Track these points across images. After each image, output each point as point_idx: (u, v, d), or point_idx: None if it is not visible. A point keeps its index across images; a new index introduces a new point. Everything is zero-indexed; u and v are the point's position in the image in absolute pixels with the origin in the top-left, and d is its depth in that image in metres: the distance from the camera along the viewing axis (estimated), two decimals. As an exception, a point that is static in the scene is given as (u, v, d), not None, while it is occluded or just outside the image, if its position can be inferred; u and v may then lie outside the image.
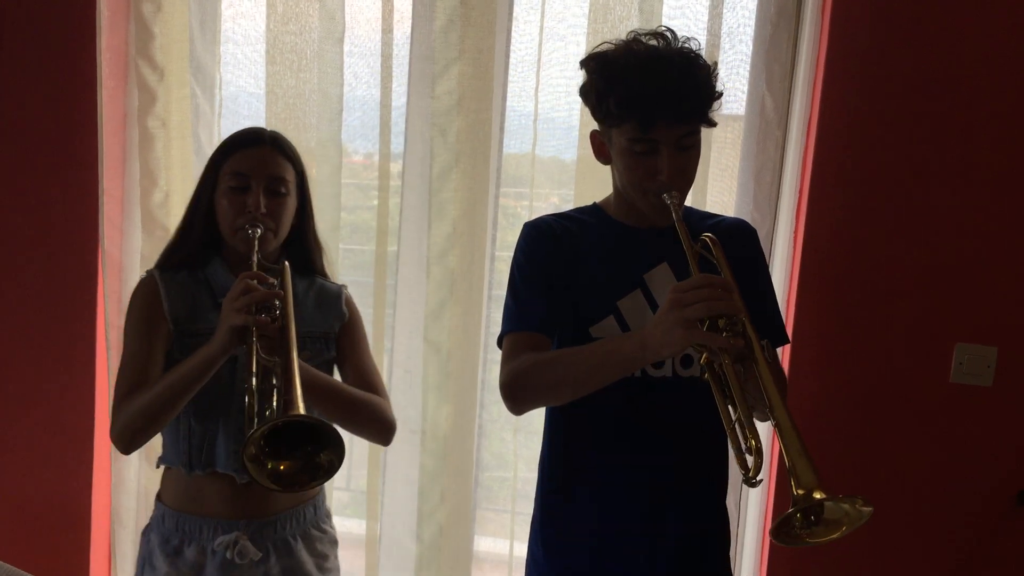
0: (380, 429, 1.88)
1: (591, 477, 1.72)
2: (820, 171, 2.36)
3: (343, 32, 2.57)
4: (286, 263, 1.83)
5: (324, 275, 2.00)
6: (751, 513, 2.61)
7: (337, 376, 1.95)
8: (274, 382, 1.61)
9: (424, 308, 2.60)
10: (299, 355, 1.61)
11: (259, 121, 2.65)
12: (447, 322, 2.62)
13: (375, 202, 2.63)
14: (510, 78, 2.59)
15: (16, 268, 2.69)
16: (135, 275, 2.67)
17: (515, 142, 2.64)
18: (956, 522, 2.41)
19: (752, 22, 2.47)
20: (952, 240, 2.34)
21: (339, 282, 2.03)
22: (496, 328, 1.77)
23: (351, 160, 2.75)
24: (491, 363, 2.66)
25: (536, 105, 2.55)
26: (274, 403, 1.59)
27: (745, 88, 2.51)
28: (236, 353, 1.74)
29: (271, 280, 1.68)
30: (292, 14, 2.56)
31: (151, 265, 2.60)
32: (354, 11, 2.58)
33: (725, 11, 2.48)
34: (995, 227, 2.32)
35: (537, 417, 1.84)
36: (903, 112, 2.32)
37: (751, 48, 2.48)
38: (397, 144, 2.62)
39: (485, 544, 2.83)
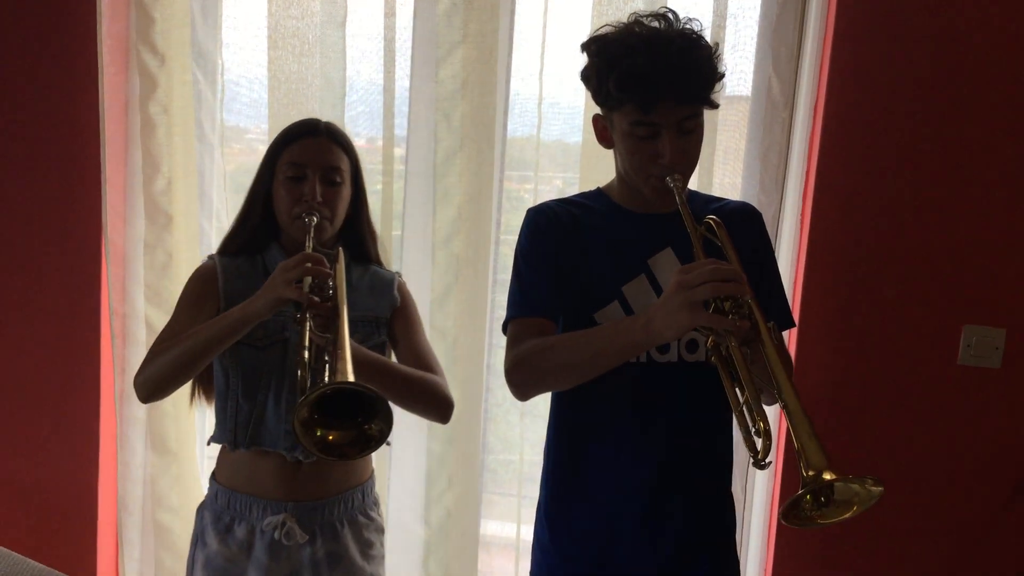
0: (436, 405, 1.90)
1: (597, 462, 1.71)
2: (827, 153, 2.35)
3: (345, 16, 2.55)
4: (340, 248, 1.87)
5: (379, 263, 2.04)
6: (757, 497, 2.60)
7: (394, 359, 1.99)
8: (326, 359, 1.63)
9: (430, 294, 2.60)
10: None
11: (261, 106, 2.65)
12: (453, 307, 2.61)
13: (379, 187, 2.62)
14: (514, 61, 2.57)
15: (19, 257, 2.69)
16: (138, 262, 2.66)
17: (519, 126, 2.63)
18: (964, 503, 2.41)
19: (758, 3, 2.45)
20: (960, 221, 2.32)
21: (393, 270, 2.07)
22: (502, 313, 1.76)
23: (354, 145, 2.73)
24: (497, 348, 2.65)
25: (540, 88, 2.53)
26: (326, 377, 1.61)
27: (751, 70, 2.49)
28: (290, 336, 1.83)
29: (327, 264, 1.71)
30: (294, -2, 2.55)
31: (154, 253, 2.64)
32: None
33: (731, -7, 2.47)
34: (1004, 208, 2.31)
35: (543, 401, 1.84)
36: (910, 93, 2.31)
37: (757, 29, 2.46)
38: (401, 129, 2.61)
39: (492, 528, 2.83)
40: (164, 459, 2.75)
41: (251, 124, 2.77)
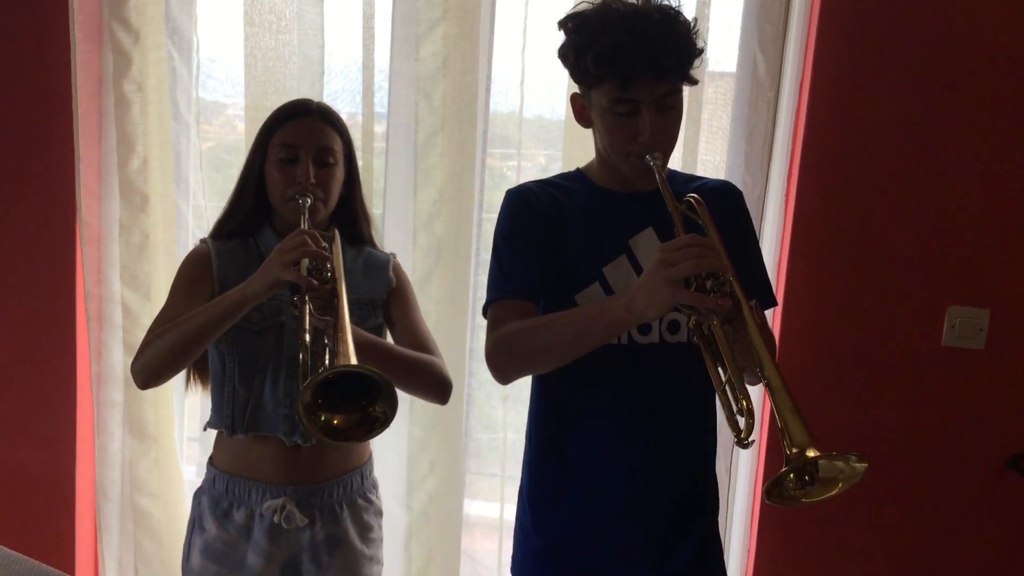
0: (435, 386, 1.90)
1: (579, 445, 1.70)
2: (812, 132, 2.33)
3: (324, -8, 2.51)
4: (335, 230, 1.87)
5: (373, 244, 2.03)
6: (741, 478, 2.60)
7: (390, 340, 1.99)
8: (326, 342, 1.63)
9: (411, 276, 2.56)
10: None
11: (238, 83, 2.60)
12: (435, 290, 2.59)
13: (360, 163, 2.58)
14: (496, 39, 2.54)
15: (-8, 239, 2.64)
16: (114, 243, 2.63)
17: (501, 104, 2.60)
18: (948, 485, 2.41)
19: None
20: (945, 203, 2.31)
21: (387, 251, 2.07)
22: (484, 295, 1.74)
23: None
24: (479, 331, 2.64)
25: (523, 66, 2.51)
26: (327, 360, 1.62)
27: (736, 48, 2.47)
28: (286, 320, 1.84)
29: (323, 243, 1.70)
30: (270, -28, 2.50)
31: (130, 234, 2.60)
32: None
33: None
34: (987, 190, 2.30)
35: (526, 385, 1.83)
36: (896, 73, 2.29)
37: (743, 6, 2.44)
38: (381, 107, 2.57)
39: (475, 508, 2.83)
40: (143, 444, 2.73)
41: (229, 100, 2.73)
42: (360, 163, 2.53)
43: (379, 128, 2.58)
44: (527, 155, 2.66)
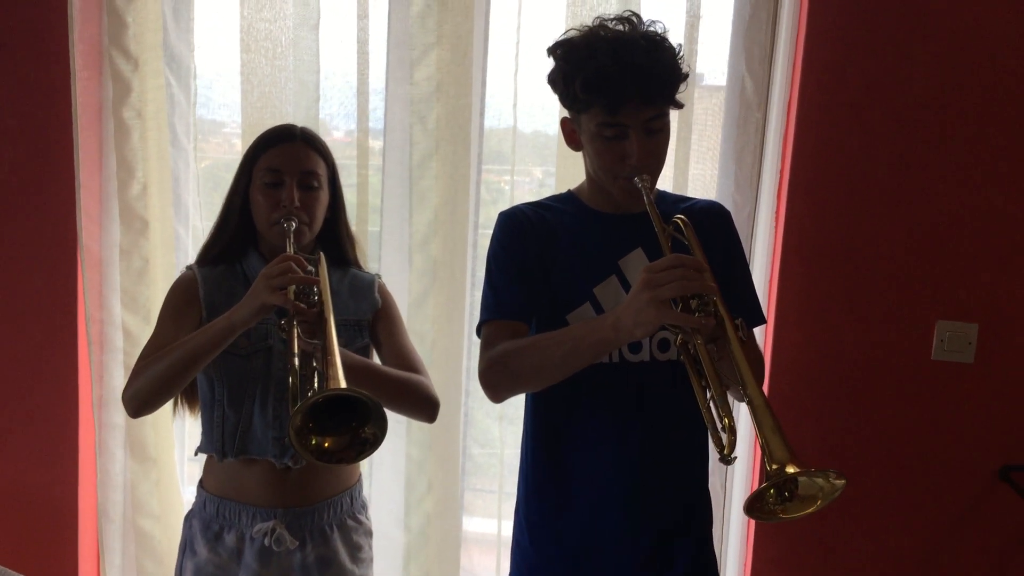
0: (423, 406, 1.92)
1: (573, 463, 1.72)
2: (800, 152, 2.37)
3: (318, 18, 2.54)
4: (321, 253, 1.88)
5: (358, 265, 2.05)
6: (736, 494, 2.61)
7: (376, 361, 2.00)
8: (314, 365, 1.64)
9: (407, 297, 2.60)
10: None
11: (234, 109, 2.64)
12: (430, 310, 2.61)
13: (355, 180, 2.62)
14: (489, 63, 2.57)
15: (-6, 264, 2.67)
16: (114, 268, 2.65)
17: (495, 126, 2.63)
18: (940, 497, 2.43)
19: (731, 3, 2.46)
20: (932, 219, 2.34)
21: (372, 271, 2.08)
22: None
23: (331, 138, 2.74)
24: (475, 351, 2.63)
25: (515, 90, 2.54)
26: (316, 383, 1.62)
27: (725, 70, 2.50)
28: (274, 344, 1.84)
29: (309, 267, 1.72)
30: (266, 1, 2.54)
31: (130, 258, 2.63)
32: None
33: (703, -6, 2.48)
34: (975, 206, 2.33)
35: (522, 403, 1.85)
36: (883, 93, 2.32)
37: (731, 29, 2.47)
38: (375, 133, 2.61)
39: (473, 525, 2.84)
40: (144, 465, 2.74)
41: (226, 119, 2.77)
42: (356, 180, 2.57)
43: (374, 145, 2.61)
44: (523, 170, 2.69)
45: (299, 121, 2.48)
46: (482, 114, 2.58)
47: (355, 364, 1.77)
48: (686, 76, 1.61)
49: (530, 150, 2.71)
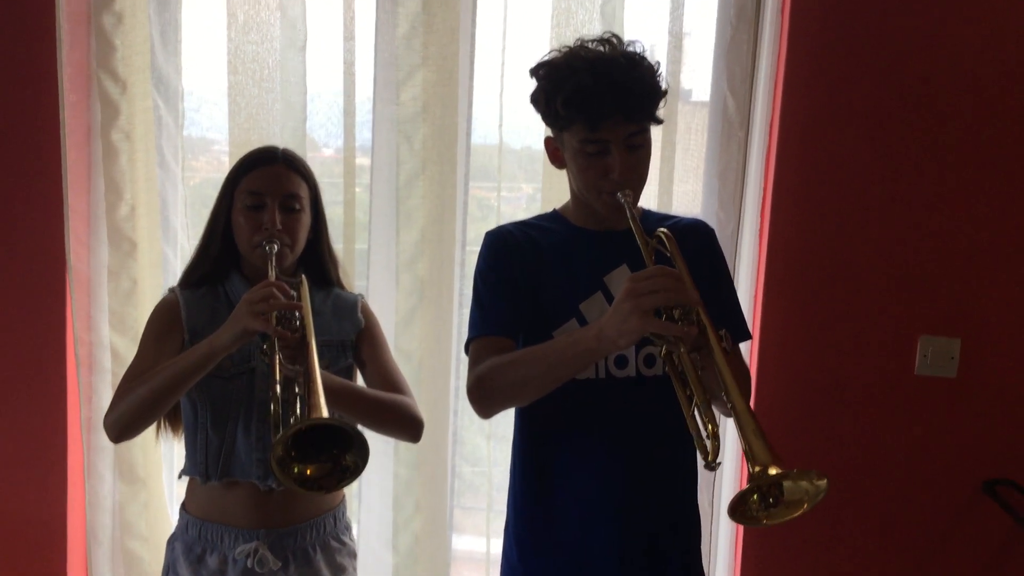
0: (406, 427, 1.92)
1: (561, 479, 1.73)
2: (783, 170, 2.39)
3: (305, 41, 2.57)
4: (303, 276, 1.88)
5: (340, 285, 2.04)
6: (724, 511, 2.62)
7: (360, 381, 2.00)
8: (296, 390, 1.65)
9: (395, 316, 2.61)
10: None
11: (222, 131, 2.65)
12: (418, 329, 2.62)
13: (342, 196, 2.65)
14: (476, 83, 2.60)
15: (-18, 287, 2.67)
16: (103, 290, 2.66)
17: (481, 145, 2.65)
18: (923, 512, 2.45)
19: (713, 24, 2.50)
20: (914, 234, 2.37)
21: (355, 292, 2.08)
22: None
23: (320, 154, 2.76)
24: (463, 369, 2.66)
25: (501, 110, 2.57)
26: (298, 409, 1.62)
27: (708, 89, 2.53)
28: (256, 365, 1.83)
29: (291, 292, 1.72)
30: (253, 23, 2.56)
31: (118, 280, 2.63)
32: (316, 19, 2.58)
33: (686, 13, 2.51)
34: (956, 221, 2.36)
35: (511, 422, 1.85)
36: (863, 111, 2.36)
37: (713, 50, 2.51)
38: (362, 152, 2.62)
39: (462, 543, 2.85)
40: (133, 487, 2.74)
41: (215, 136, 2.78)
42: (343, 198, 2.58)
43: (362, 163, 2.63)
44: (513, 187, 2.72)
45: (287, 141, 2.52)
46: (468, 134, 2.60)
47: (337, 387, 1.78)
48: (665, 93, 1.64)
49: (519, 167, 2.73)
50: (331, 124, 2.67)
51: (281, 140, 2.56)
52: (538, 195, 2.68)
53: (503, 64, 2.55)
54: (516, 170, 2.75)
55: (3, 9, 2.54)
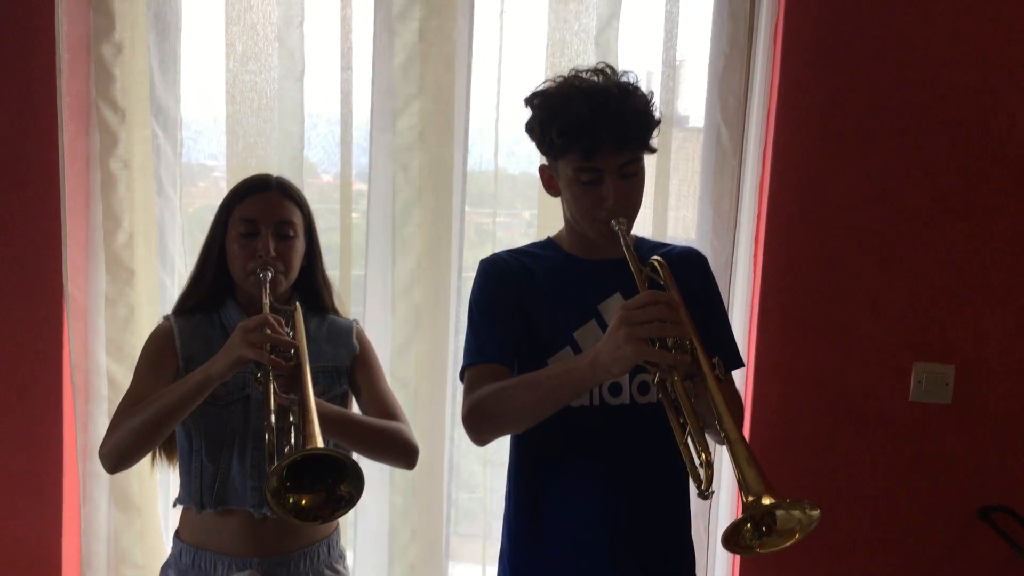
0: (401, 454, 1.91)
1: (556, 506, 1.73)
2: (777, 197, 2.41)
3: (303, 70, 2.59)
4: (297, 304, 1.88)
5: (335, 311, 2.05)
6: (719, 539, 2.61)
7: (355, 407, 2.00)
8: (291, 419, 1.65)
9: (391, 344, 2.61)
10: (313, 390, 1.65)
11: (220, 160, 2.67)
12: (414, 357, 2.63)
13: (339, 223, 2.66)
14: (471, 113, 2.62)
15: (-20, 313, 2.68)
16: (100, 318, 2.66)
17: (477, 172, 2.67)
18: (919, 539, 2.45)
19: (707, 54, 2.52)
20: (908, 262, 2.39)
21: (350, 317, 2.09)
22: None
23: (319, 180, 2.78)
24: (459, 396, 2.64)
25: (496, 138, 2.59)
26: (292, 439, 1.62)
27: (702, 117, 2.56)
28: (251, 392, 1.83)
29: (286, 330, 1.72)
30: (251, 53, 2.58)
31: (116, 307, 2.64)
32: (313, 50, 2.60)
33: (679, 43, 2.54)
34: (949, 248, 2.38)
35: (507, 449, 1.86)
36: (856, 139, 2.38)
37: (707, 79, 2.53)
38: (360, 179, 2.64)
39: (459, 571, 2.83)
40: (128, 515, 2.73)
41: (214, 162, 2.80)
42: (340, 223, 2.58)
43: (359, 188, 2.65)
44: (512, 212, 2.75)
45: (284, 168, 2.54)
46: (465, 162, 2.61)
47: (332, 415, 1.78)
48: (659, 122, 1.66)
49: (516, 192, 2.75)
50: (329, 151, 2.69)
51: (279, 167, 2.57)
52: (535, 220, 2.70)
53: (499, 93, 2.58)
54: (513, 196, 2.76)
55: (4, 39, 2.56)
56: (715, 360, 1.47)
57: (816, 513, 1.33)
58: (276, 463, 1.52)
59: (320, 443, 1.51)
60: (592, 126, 1.58)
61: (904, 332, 2.40)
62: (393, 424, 1.92)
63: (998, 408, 2.40)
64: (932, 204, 2.37)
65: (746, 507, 1.31)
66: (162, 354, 1.89)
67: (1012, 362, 2.39)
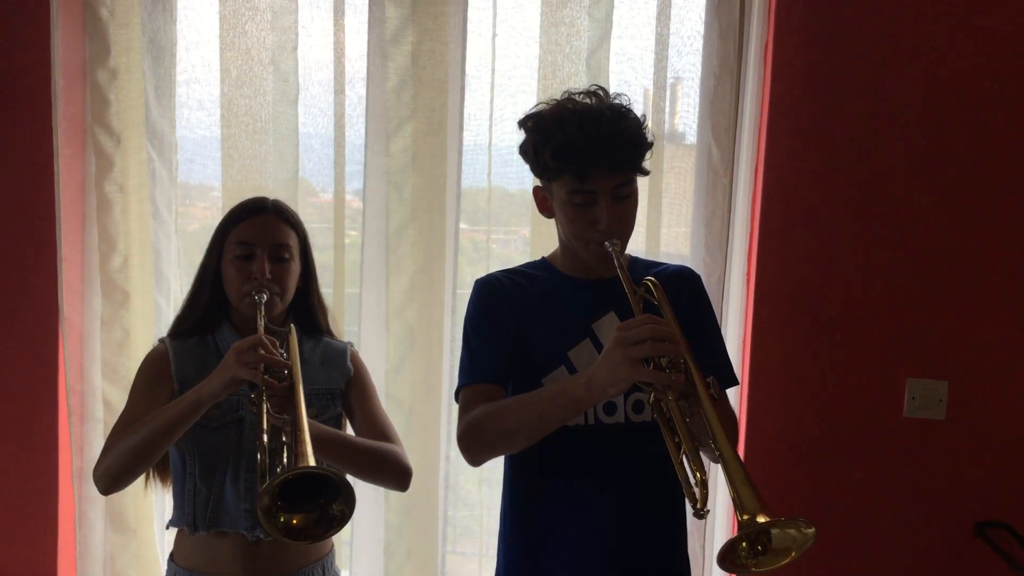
0: (395, 475, 1.92)
1: (550, 525, 1.73)
2: (768, 216, 2.43)
3: (297, 94, 2.61)
4: (292, 326, 1.89)
5: (330, 334, 2.05)
6: (715, 557, 2.61)
7: (350, 430, 2.00)
8: (284, 439, 1.65)
9: (385, 363, 2.62)
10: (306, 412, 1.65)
11: (215, 183, 2.68)
12: (408, 376, 2.64)
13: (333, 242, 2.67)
14: (464, 134, 2.64)
15: (-25, 337, 2.68)
16: (95, 340, 2.67)
17: (471, 192, 2.69)
18: (916, 555, 2.45)
19: (697, 73, 2.54)
20: (900, 278, 2.40)
21: (344, 340, 2.09)
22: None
23: (316, 199, 2.79)
24: (454, 416, 2.64)
25: (490, 160, 2.61)
26: (284, 459, 1.63)
27: (694, 136, 2.58)
28: (245, 415, 1.84)
29: (280, 351, 1.73)
30: (246, 78, 2.60)
31: (111, 330, 2.64)
32: (307, 73, 2.63)
33: (670, 63, 2.56)
34: (942, 263, 2.40)
35: (501, 467, 1.86)
36: (846, 157, 2.40)
37: (698, 98, 2.55)
38: (355, 197, 2.66)
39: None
40: (123, 537, 2.73)
41: (213, 183, 2.80)
42: (333, 242, 2.60)
43: (353, 208, 2.68)
44: (510, 230, 2.77)
45: (280, 189, 2.55)
46: (458, 183, 2.63)
47: (325, 436, 1.78)
48: (651, 145, 1.67)
49: (511, 211, 2.76)
50: (323, 171, 2.70)
51: (274, 188, 2.59)
52: (530, 238, 2.72)
53: (491, 116, 2.60)
54: (509, 214, 2.77)
55: (0, 64, 2.58)
56: (710, 379, 1.48)
57: (811, 531, 1.33)
58: (268, 482, 1.52)
59: (312, 462, 1.51)
60: (585, 148, 1.60)
61: (897, 348, 2.41)
62: (387, 446, 1.92)
63: (992, 423, 2.41)
64: (924, 220, 2.39)
65: (741, 525, 1.32)
66: (157, 377, 1.89)
67: (1005, 377, 2.40)
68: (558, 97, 1.70)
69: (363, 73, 2.58)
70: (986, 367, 2.41)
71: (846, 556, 2.44)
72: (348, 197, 2.67)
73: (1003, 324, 2.39)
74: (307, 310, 2.01)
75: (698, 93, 2.55)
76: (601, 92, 1.67)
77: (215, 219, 2.03)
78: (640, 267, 1.81)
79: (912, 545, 2.44)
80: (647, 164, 1.68)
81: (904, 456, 2.42)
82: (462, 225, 2.66)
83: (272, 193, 2.06)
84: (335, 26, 2.60)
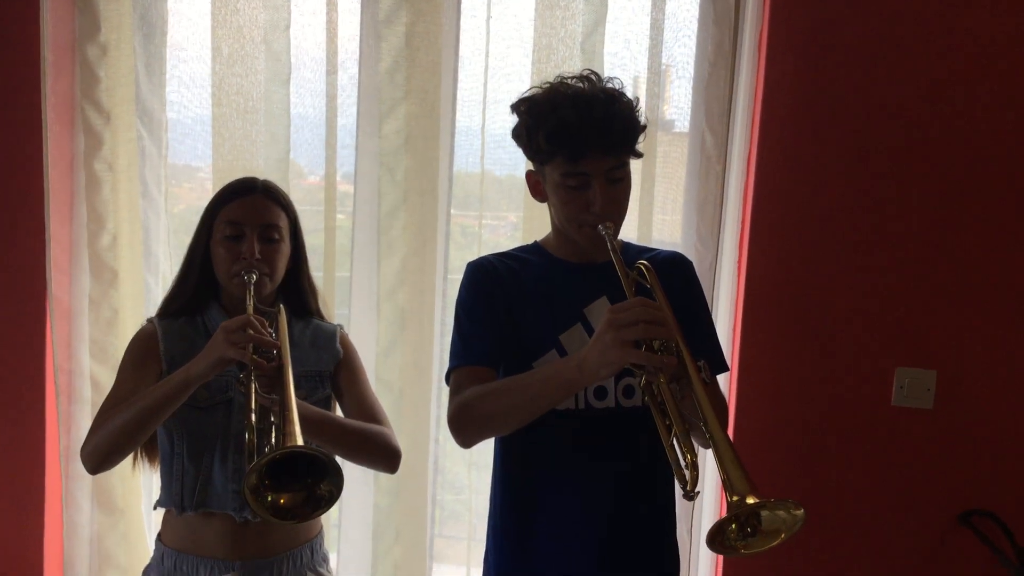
0: (383, 457, 1.91)
1: (540, 510, 1.74)
2: (760, 203, 2.43)
3: (289, 74, 2.60)
4: (281, 306, 1.88)
5: (320, 316, 2.05)
6: (702, 542, 2.62)
7: (339, 412, 2.00)
8: (272, 419, 1.65)
9: (375, 346, 2.62)
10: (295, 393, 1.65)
11: (206, 162, 2.67)
12: (398, 359, 2.64)
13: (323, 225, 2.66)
14: (458, 117, 2.63)
15: (-38, 315, 2.66)
16: (83, 319, 2.66)
17: (463, 176, 2.68)
18: (901, 543, 2.46)
19: (692, 61, 2.54)
20: (891, 267, 2.41)
21: (335, 322, 2.08)
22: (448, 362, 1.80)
23: (306, 181, 2.79)
24: (444, 399, 2.65)
25: (483, 143, 2.60)
26: (273, 438, 1.63)
27: (688, 122, 2.57)
28: (234, 396, 1.84)
29: (269, 331, 1.72)
30: (238, 56, 2.58)
31: (99, 309, 2.63)
32: (300, 53, 2.61)
33: (665, 49, 2.56)
34: (931, 254, 2.40)
35: (492, 452, 1.86)
36: (839, 146, 2.40)
37: (692, 85, 2.55)
38: (345, 180, 2.64)
39: (443, 573, 2.84)
40: (111, 517, 2.72)
41: (200, 163, 2.79)
42: (324, 224, 2.59)
43: (344, 190, 2.66)
44: (498, 215, 2.76)
45: (271, 169, 2.54)
46: (451, 166, 2.63)
47: (314, 417, 1.78)
48: (644, 127, 1.67)
49: (503, 195, 2.76)
50: (315, 152, 2.69)
51: (265, 169, 2.58)
52: (521, 223, 2.71)
53: (485, 99, 2.58)
54: (499, 198, 2.77)
55: (-12, 40, 2.56)
56: (701, 364, 1.48)
57: (800, 513, 1.34)
58: (255, 461, 1.51)
59: (300, 441, 1.51)
60: (579, 131, 1.59)
61: (886, 337, 2.42)
62: (376, 427, 1.92)
63: (980, 413, 2.42)
64: (915, 210, 2.39)
65: (731, 506, 1.32)
66: (145, 356, 1.88)
67: (993, 367, 2.41)
68: (551, 81, 1.69)
69: (356, 54, 2.57)
70: (974, 357, 2.41)
71: (831, 543, 2.45)
72: (338, 179, 2.66)
73: (991, 315, 2.40)
74: (297, 292, 2.00)
75: (692, 79, 2.54)
76: (594, 76, 1.67)
77: (202, 201, 2.02)
78: (632, 252, 1.81)
79: (898, 532, 2.45)
80: (640, 147, 1.68)
81: (892, 444, 2.43)
82: (452, 211, 2.65)
83: (262, 174, 2.05)
84: (328, 5, 2.58)
